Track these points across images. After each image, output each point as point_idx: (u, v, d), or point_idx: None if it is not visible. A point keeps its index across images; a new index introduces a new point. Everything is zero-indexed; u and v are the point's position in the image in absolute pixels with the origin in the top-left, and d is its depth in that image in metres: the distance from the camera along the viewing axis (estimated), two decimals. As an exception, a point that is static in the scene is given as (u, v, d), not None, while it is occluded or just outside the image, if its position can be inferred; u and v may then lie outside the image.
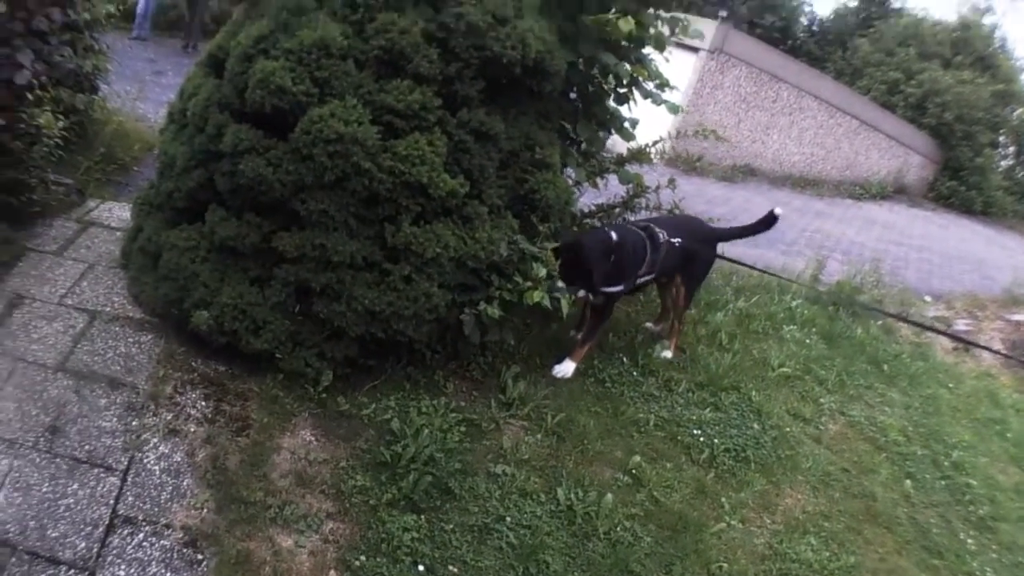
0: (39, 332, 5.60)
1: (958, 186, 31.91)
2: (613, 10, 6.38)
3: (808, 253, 12.35)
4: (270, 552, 4.47)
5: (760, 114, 22.19)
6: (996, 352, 12.90)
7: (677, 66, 19.00)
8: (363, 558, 4.59)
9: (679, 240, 7.23)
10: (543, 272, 5.70)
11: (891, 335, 11.83)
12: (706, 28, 20.40)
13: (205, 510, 4.60)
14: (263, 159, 5.18)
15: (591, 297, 6.87)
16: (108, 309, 6.05)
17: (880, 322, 11.82)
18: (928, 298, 15.41)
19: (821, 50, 36.43)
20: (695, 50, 20.53)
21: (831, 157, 26.05)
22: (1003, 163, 37.12)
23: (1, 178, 6.50)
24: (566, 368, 6.89)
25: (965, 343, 12.66)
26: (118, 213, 7.61)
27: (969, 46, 34.30)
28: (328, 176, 5.11)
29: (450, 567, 4.74)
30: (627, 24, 6.17)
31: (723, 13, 29.42)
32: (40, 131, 6.94)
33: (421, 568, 4.66)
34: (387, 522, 4.83)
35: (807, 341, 9.72)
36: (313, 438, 5.31)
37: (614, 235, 6.69)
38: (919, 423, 9.01)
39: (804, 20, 37.50)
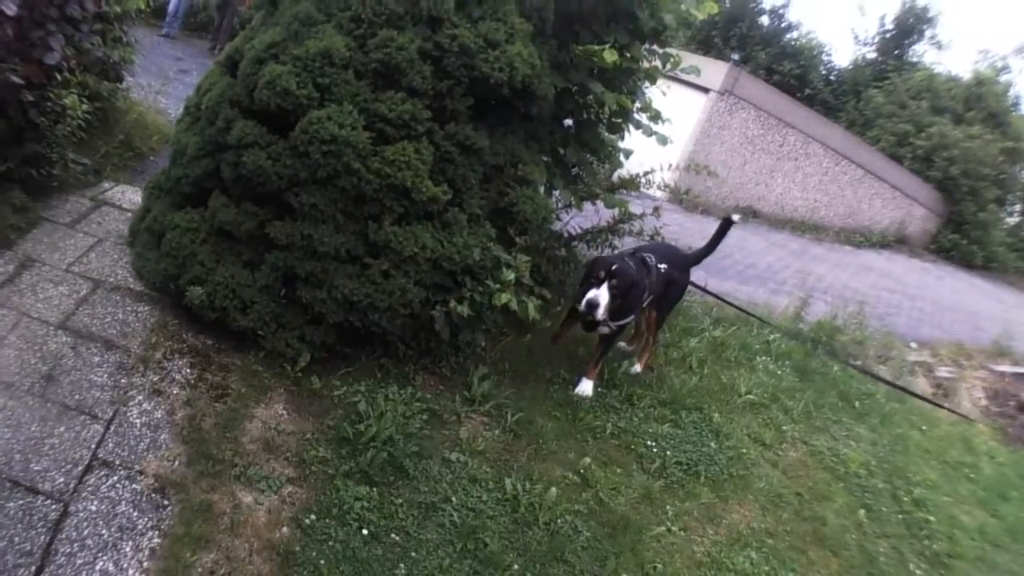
0: (45, 293, 6.02)
1: (960, 239, 31.79)
2: (607, 42, 6.77)
3: (797, 293, 12.49)
4: (231, 505, 4.83)
5: (766, 157, 22.34)
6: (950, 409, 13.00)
7: (687, 105, 19.48)
8: (313, 518, 4.96)
9: (664, 266, 7.60)
10: (512, 277, 6.04)
11: (868, 375, 11.91)
12: (717, 70, 20.69)
13: (177, 462, 4.99)
14: (264, 153, 5.62)
15: (605, 329, 7.27)
16: (111, 279, 6.48)
17: (859, 362, 11.99)
18: (913, 344, 15.53)
19: (836, 99, 36.40)
20: (705, 90, 20.80)
21: (834, 204, 26.11)
22: (1009, 220, 37.19)
23: (25, 151, 6.90)
24: (585, 387, 7.29)
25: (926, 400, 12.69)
26: (130, 196, 8.02)
27: (982, 102, 34.12)
28: (321, 173, 5.54)
29: (393, 535, 5.08)
30: (611, 55, 6.57)
31: (735, 56, 29.63)
32: (65, 111, 7.39)
33: (365, 532, 5.01)
34: (341, 490, 5.19)
35: (779, 372, 9.90)
36: (285, 412, 5.68)
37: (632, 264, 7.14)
38: (884, 459, 9.16)
39: (822, 69, 37.61)
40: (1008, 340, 17.47)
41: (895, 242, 28.91)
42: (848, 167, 25.66)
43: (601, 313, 6.83)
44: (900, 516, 8.16)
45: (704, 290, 8.32)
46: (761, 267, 16.21)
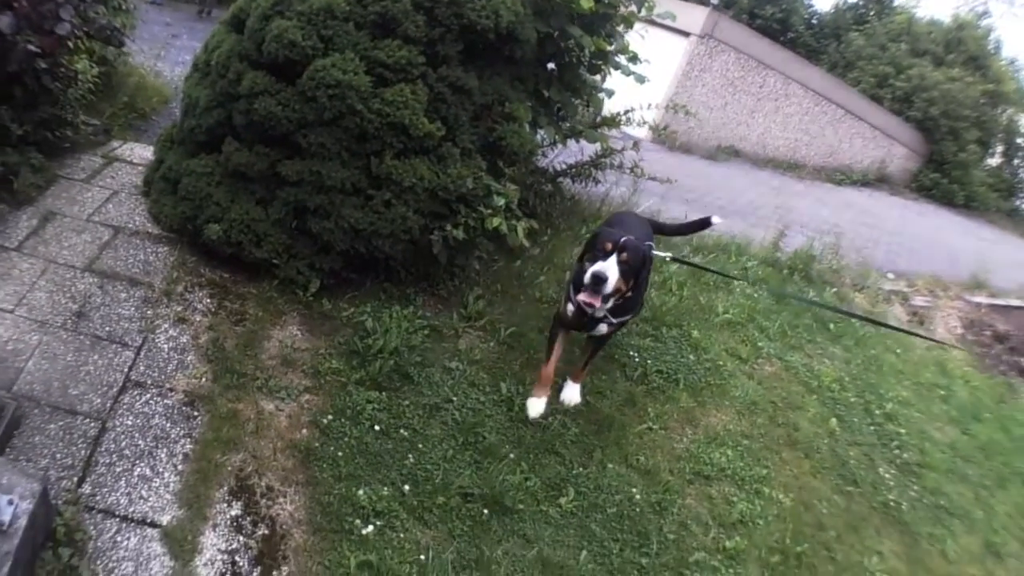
0: (69, 241, 6.53)
1: (940, 178, 31.86)
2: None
3: (776, 226, 12.75)
4: (254, 412, 5.42)
5: (746, 98, 22.57)
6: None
7: (668, 48, 19.80)
8: (330, 418, 5.55)
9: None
10: (502, 203, 6.55)
11: (844, 302, 12.36)
12: (697, 14, 20.89)
13: (203, 379, 5.56)
14: (274, 100, 6.16)
15: (604, 327, 6.35)
16: (130, 226, 6.98)
17: (835, 289, 12.40)
18: (890, 275, 15.77)
19: (817, 43, 36.17)
20: (686, 34, 20.98)
21: (815, 143, 26.34)
22: (991, 161, 37.35)
23: (41, 114, 7.34)
24: (572, 394, 6.68)
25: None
26: (139, 152, 8.46)
27: (962, 46, 34.00)
28: (327, 115, 6.10)
29: (402, 431, 5.69)
30: (587, 2, 7.09)
31: (715, 1, 29.82)
32: (76, 76, 7.83)
33: (377, 428, 5.63)
34: (354, 395, 5.78)
35: (755, 295, 10.23)
36: (299, 332, 6.22)
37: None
38: (857, 377, 9.57)
39: (804, 13, 37.57)
40: (985, 273, 17.76)
41: (876, 180, 28.97)
42: (828, 107, 25.89)
43: (610, 286, 5.69)
44: (871, 427, 8.57)
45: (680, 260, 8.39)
46: (742, 203, 16.37)
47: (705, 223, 7.20)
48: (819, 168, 26.28)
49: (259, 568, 4.56)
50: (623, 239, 5.82)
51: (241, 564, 4.55)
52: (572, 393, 6.72)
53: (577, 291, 5.89)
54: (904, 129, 30.47)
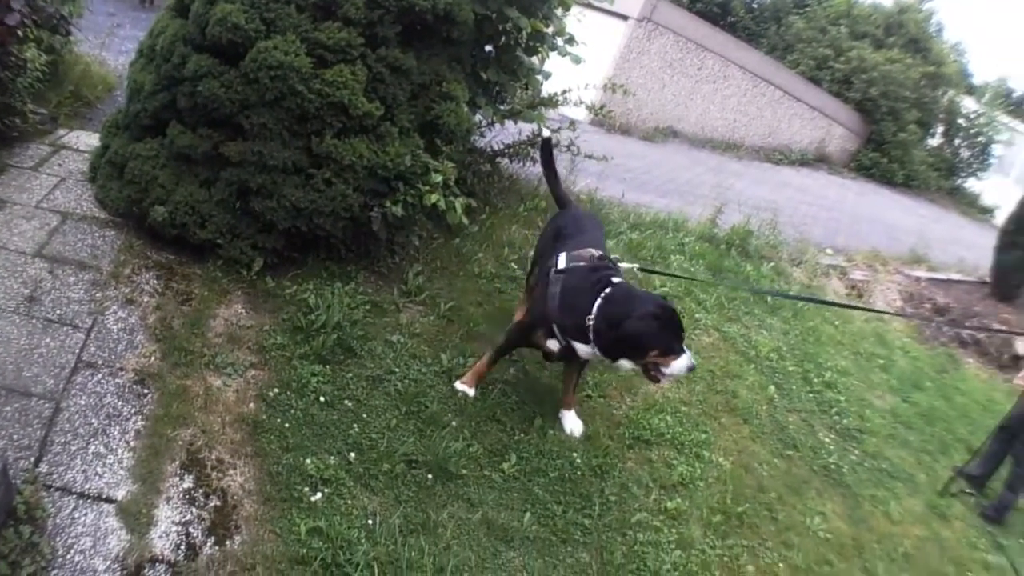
0: (19, 228, 6.57)
1: (880, 158, 32.29)
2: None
3: (714, 204, 12.74)
4: (203, 388, 5.51)
5: (685, 80, 22.64)
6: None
7: (607, 31, 19.92)
8: (276, 391, 5.66)
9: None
10: (439, 180, 6.69)
11: (782, 276, 12.57)
12: (636, -2, 21.20)
13: (152, 358, 5.65)
14: (218, 82, 6.25)
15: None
16: (78, 211, 7.04)
17: (772, 264, 12.55)
18: (829, 250, 16.00)
19: (757, 26, 36.49)
20: (625, 18, 21.11)
21: (753, 124, 26.57)
22: (931, 141, 37.79)
23: (-9, 104, 7.35)
24: (575, 424, 6.56)
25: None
26: (85, 140, 8.51)
27: (903, 28, 34.33)
28: (269, 96, 6.19)
29: (346, 402, 5.82)
30: (523, -16, 7.27)
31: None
32: (26, 64, 7.85)
33: (322, 400, 5.74)
34: (299, 369, 5.89)
35: (692, 269, 10.39)
36: (244, 310, 6.33)
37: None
38: (795, 347, 9.76)
39: (744, -1, 37.86)
40: (925, 249, 18.06)
41: (815, 160, 29.25)
42: (767, 89, 26.12)
43: None
44: (810, 395, 8.75)
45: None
46: (680, 182, 16.53)
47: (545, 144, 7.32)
48: (758, 148, 26.45)
49: (212, 538, 4.64)
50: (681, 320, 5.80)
51: (195, 535, 4.63)
52: (574, 422, 6.58)
53: (564, 331, 5.88)
54: (843, 110, 30.76)
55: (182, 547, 4.55)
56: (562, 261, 6.02)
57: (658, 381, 5.97)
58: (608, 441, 6.64)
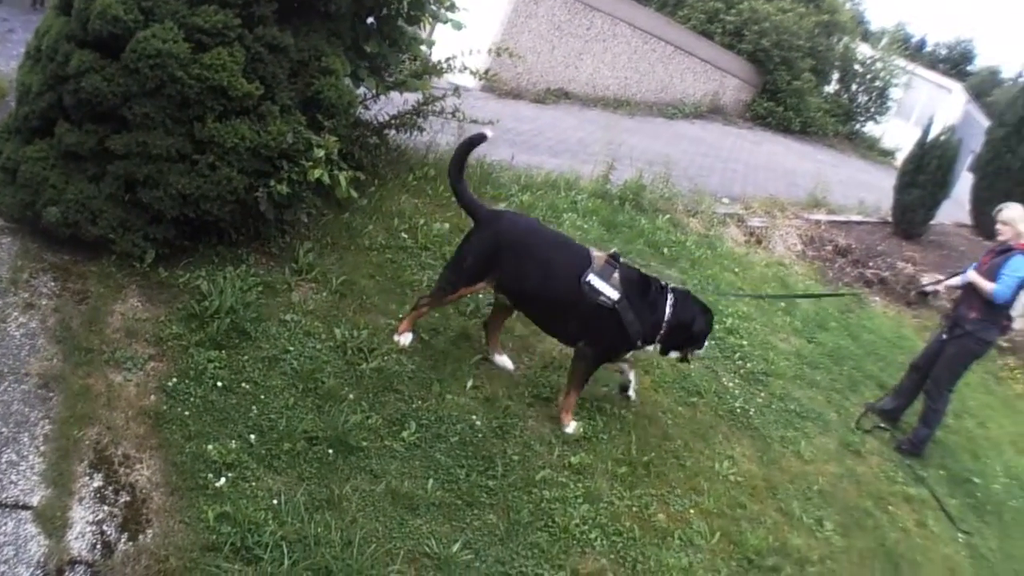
0: (-89, 245, 6.47)
1: (775, 107, 32.49)
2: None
3: (607, 161, 12.85)
4: (105, 385, 5.47)
5: (574, 41, 22.45)
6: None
7: (493, -3, 19.80)
8: (175, 381, 5.65)
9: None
10: (322, 154, 6.68)
11: (678, 227, 12.66)
12: (520, -38, 21.13)
13: (55, 360, 5.58)
14: (100, 76, 6.17)
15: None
16: (-28, 222, 6.92)
17: (668, 216, 12.64)
18: (726, 200, 16.13)
19: None
20: (511, -18, 21.16)
21: (645, 80, 26.46)
22: (828, 88, 38.19)
23: None
24: (571, 427, 6.86)
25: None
26: (-23, 149, 8.40)
27: None
28: (149, 85, 6.14)
29: (244, 385, 5.82)
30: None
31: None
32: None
33: (220, 385, 5.74)
34: (195, 356, 5.88)
35: (585, 226, 10.44)
36: (139, 303, 6.27)
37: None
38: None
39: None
40: (824, 193, 18.42)
41: (709, 112, 29.29)
42: (657, 45, 26.02)
43: None
44: (712, 341, 8.56)
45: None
46: (572, 142, 16.55)
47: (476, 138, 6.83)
48: (651, 104, 26.34)
49: (126, 534, 4.63)
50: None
51: (109, 533, 4.62)
52: (571, 426, 6.88)
53: (645, 342, 6.81)
54: (736, 61, 30.91)
55: (98, 546, 4.54)
56: (600, 284, 6.51)
57: (687, 362, 7.54)
58: (508, 401, 6.72)
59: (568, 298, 6.57)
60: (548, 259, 6.65)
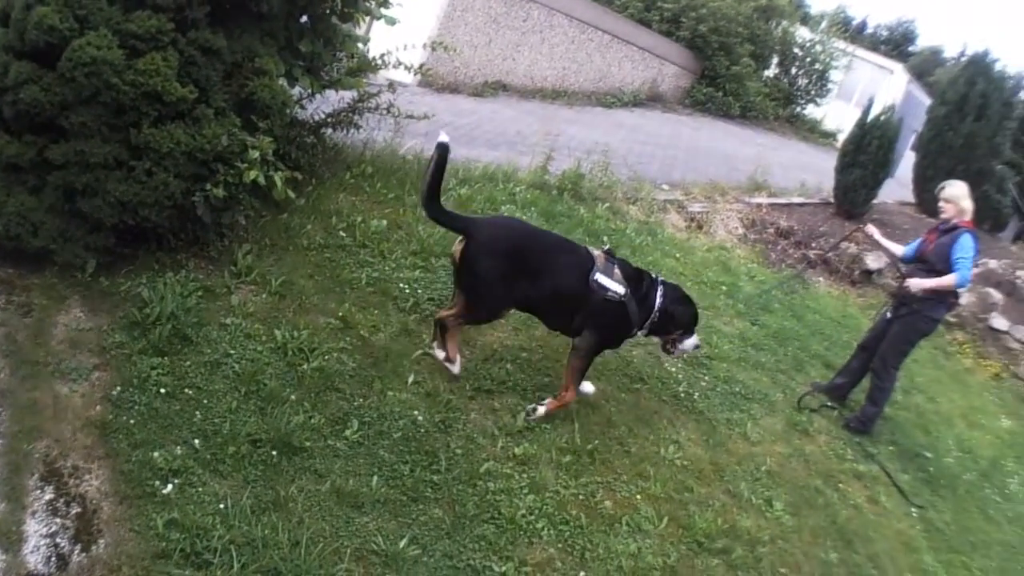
0: None
1: (715, 92, 32.45)
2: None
3: (545, 152, 12.73)
4: (51, 398, 5.48)
5: (511, 33, 22.34)
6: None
7: (430, -9, 19.78)
8: (119, 390, 5.67)
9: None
10: (256, 156, 6.68)
11: (618, 215, 12.72)
12: (455, -45, 21.09)
13: (2, 374, 5.58)
14: (38, 86, 6.14)
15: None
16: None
17: (607, 204, 12.69)
18: (665, 186, 16.13)
19: None
20: (447, -24, 20.94)
21: (583, 70, 26.39)
22: (767, 72, 38.34)
23: None
24: (587, 387, 7.52)
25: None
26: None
27: None
28: (85, 93, 6.12)
29: (187, 391, 5.85)
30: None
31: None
32: None
33: (163, 392, 5.76)
34: (138, 364, 5.89)
35: (524, 218, 10.26)
36: (82, 313, 6.26)
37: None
38: None
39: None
40: (765, 176, 18.48)
41: (649, 100, 29.29)
42: (594, 34, 25.91)
43: None
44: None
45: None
46: (510, 134, 16.50)
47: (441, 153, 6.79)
48: (589, 93, 26.31)
49: (79, 545, 4.67)
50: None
51: (62, 545, 4.65)
52: (587, 387, 7.53)
53: (640, 328, 7.29)
54: (674, 48, 30.93)
55: (52, 559, 4.58)
56: (607, 281, 6.95)
57: (671, 354, 7.81)
58: (450, 396, 6.78)
59: (577, 296, 6.93)
60: (554, 261, 6.97)
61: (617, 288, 6.92)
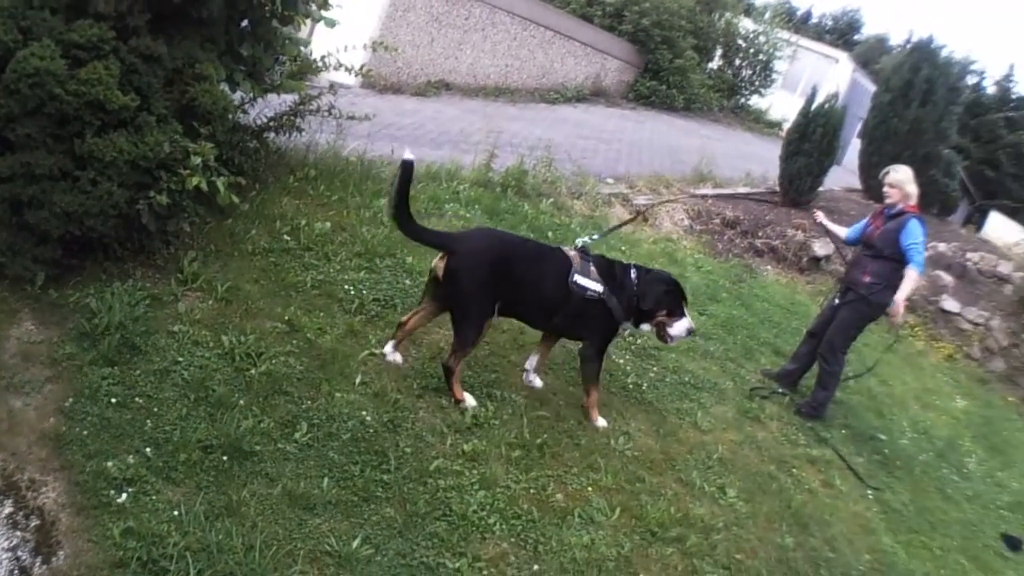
0: None
1: (658, 85, 32.53)
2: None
3: (488, 150, 12.83)
4: (6, 412, 5.46)
5: (453, 31, 22.23)
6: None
7: (370, -6, 19.75)
8: (71, 401, 5.65)
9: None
10: (198, 161, 6.68)
11: (563, 210, 12.83)
12: (395, -44, 21.08)
13: (-45, 391, 5.59)
14: (-18, 99, 6.21)
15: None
16: None
17: (551, 200, 12.80)
18: (610, 180, 16.20)
19: None
20: (386, -23, 20.86)
21: (526, 67, 26.43)
22: (712, 64, 38.55)
23: None
24: (536, 382, 7.81)
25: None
26: None
27: None
28: (30, 105, 6.10)
29: (137, 400, 5.85)
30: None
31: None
32: None
33: (114, 401, 5.76)
34: (89, 375, 5.88)
35: (468, 216, 10.50)
36: (33, 326, 6.23)
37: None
38: None
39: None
40: (710, 167, 18.74)
41: (592, 95, 29.37)
42: (536, 31, 25.97)
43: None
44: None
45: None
46: (454, 132, 16.51)
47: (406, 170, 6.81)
48: (532, 90, 26.33)
49: (39, 557, 4.68)
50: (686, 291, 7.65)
51: (24, 558, 4.67)
52: (600, 421, 7.72)
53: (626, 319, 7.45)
54: (617, 43, 30.99)
55: (15, 572, 4.59)
56: (585, 280, 7.18)
57: (666, 341, 7.71)
58: (397, 395, 6.82)
59: (557, 299, 7.15)
60: (534, 268, 7.15)
61: (595, 287, 7.12)
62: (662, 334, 7.58)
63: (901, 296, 9.30)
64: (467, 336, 6.97)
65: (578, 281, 7.07)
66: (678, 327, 7.47)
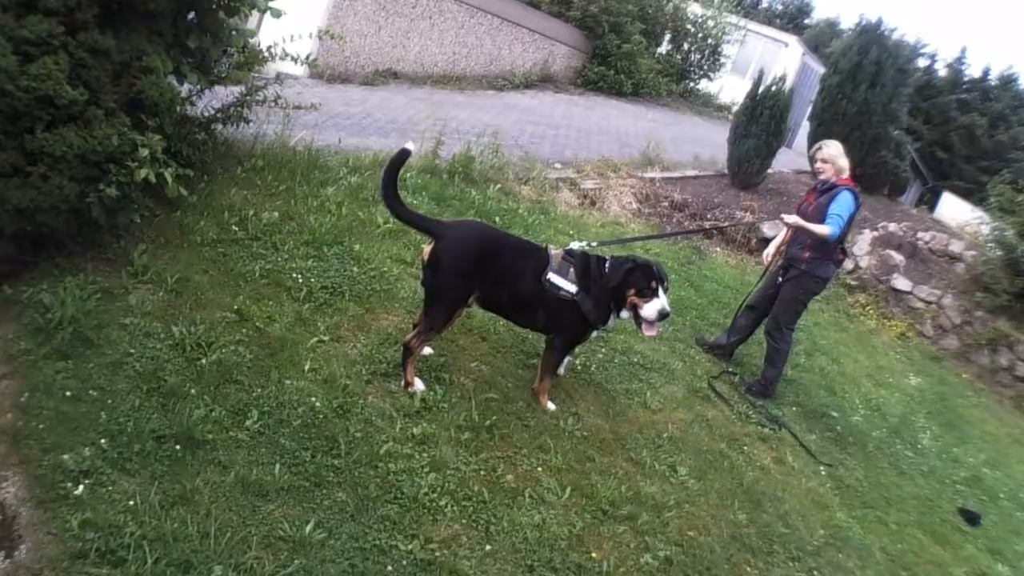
0: None
1: (607, 71, 32.58)
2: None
3: (435, 137, 12.92)
4: None
5: (400, 20, 22.14)
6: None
7: (317, -18, 19.69)
8: (27, 396, 5.70)
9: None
10: (146, 153, 6.76)
11: (510, 195, 12.94)
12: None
13: (-87, 389, 5.62)
14: (-64, 98, 6.23)
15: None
16: None
17: (499, 186, 12.90)
18: (557, 165, 16.25)
19: None
20: (333, -34, 20.78)
21: (473, 54, 26.40)
22: (660, 49, 38.63)
23: None
24: (550, 406, 7.76)
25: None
26: None
27: None
28: (-19, 103, 6.20)
29: (91, 392, 5.90)
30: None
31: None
32: None
33: (69, 395, 5.80)
34: (44, 369, 5.94)
35: (416, 203, 10.56)
36: None
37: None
38: None
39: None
40: (658, 151, 18.82)
41: (540, 81, 29.41)
42: (484, 18, 25.97)
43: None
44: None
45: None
46: (402, 120, 16.54)
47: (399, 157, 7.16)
48: (480, 77, 26.32)
49: (2, 552, 4.73)
50: (661, 271, 7.35)
51: (-13, 553, 4.72)
52: (550, 405, 7.80)
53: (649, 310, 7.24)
54: (564, 29, 30.99)
55: (-21, 568, 4.63)
56: (559, 280, 7.20)
57: (643, 331, 7.44)
58: (347, 381, 6.91)
59: (533, 296, 7.22)
60: (513, 264, 7.22)
61: (569, 287, 7.14)
62: (638, 320, 7.35)
63: (799, 220, 9.60)
64: (435, 320, 7.10)
65: (552, 279, 7.12)
66: (649, 308, 7.16)
